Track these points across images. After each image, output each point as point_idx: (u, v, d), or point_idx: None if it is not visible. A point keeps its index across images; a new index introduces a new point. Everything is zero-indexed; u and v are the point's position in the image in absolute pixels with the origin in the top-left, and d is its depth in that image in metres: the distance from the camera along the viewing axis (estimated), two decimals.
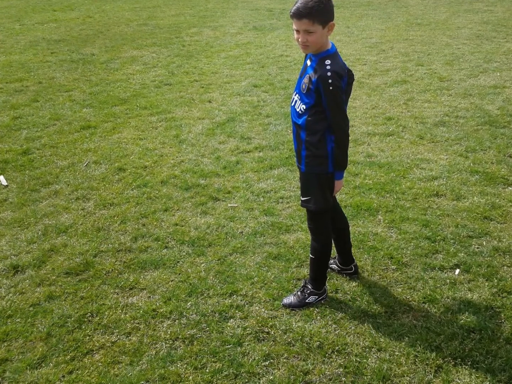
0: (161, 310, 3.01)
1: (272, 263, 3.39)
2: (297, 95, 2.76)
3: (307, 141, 2.73)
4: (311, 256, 3.00)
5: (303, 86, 2.66)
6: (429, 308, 2.96)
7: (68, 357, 2.71)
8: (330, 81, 2.53)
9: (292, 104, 2.81)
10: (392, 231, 3.69)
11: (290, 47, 9.17)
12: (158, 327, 2.89)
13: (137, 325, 2.92)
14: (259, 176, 4.55)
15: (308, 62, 2.70)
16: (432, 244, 3.52)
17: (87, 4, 15.00)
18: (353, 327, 2.84)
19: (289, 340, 2.77)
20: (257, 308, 3.00)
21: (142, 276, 3.32)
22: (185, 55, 8.91)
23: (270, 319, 2.91)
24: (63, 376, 2.60)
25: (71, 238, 3.75)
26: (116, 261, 3.48)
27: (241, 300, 3.06)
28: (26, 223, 3.95)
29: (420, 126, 5.51)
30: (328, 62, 2.57)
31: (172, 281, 3.26)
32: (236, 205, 4.11)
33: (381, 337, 2.76)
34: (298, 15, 2.51)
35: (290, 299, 3.03)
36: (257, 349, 2.71)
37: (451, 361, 2.60)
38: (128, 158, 5.00)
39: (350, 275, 3.22)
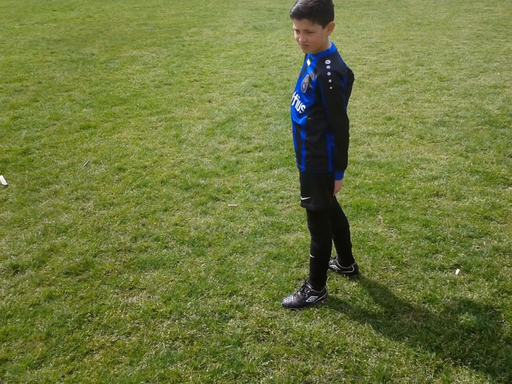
0: (161, 310, 3.01)
1: (272, 263, 3.39)
2: (297, 95, 2.75)
3: (307, 141, 2.73)
4: (311, 256, 3.00)
5: (303, 86, 2.66)
6: (429, 308, 2.95)
7: (68, 357, 2.71)
8: (330, 81, 2.53)
9: (292, 104, 2.81)
10: (392, 231, 3.69)
11: (290, 47, 9.16)
12: (158, 327, 2.89)
13: (137, 325, 2.92)
14: (259, 176, 4.55)
15: (308, 62, 2.70)
16: (432, 244, 3.52)
17: (87, 4, 15.00)
18: (353, 327, 2.84)
19: (289, 340, 2.76)
20: (257, 308, 3.00)
21: (142, 276, 3.32)
22: (185, 55, 8.90)
23: (270, 319, 2.91)
24: (63, 376, 2.60)
25: (71, 238, 3.75)
26: (116, 261, 3.47)
27: (241, 300, 3.06)
28: (26, 223, 3.95)
29: (420, 126, 5.51)
30: (328, 62, 2.56)
31: (172, 281, 3.26)
32: (236, 205, 4.11)
33: (381, 337, 2.75)
34: (298, 15, 2.51)
35: (290, 299, 3.02)
36: (257, 349, 2.70)
37: (451, 361, 2.60)
38: (128, 158, 5.00)
39: (350, 275, 3.22)
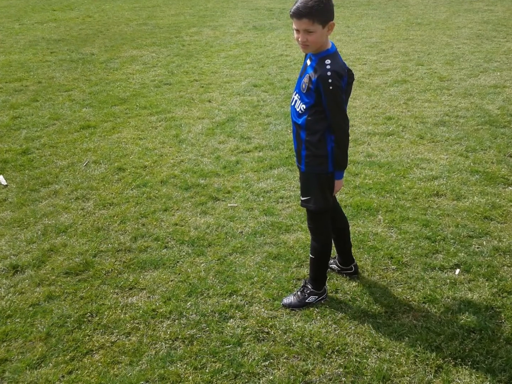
0: (161, 310, 3.01)
1: (272, 263, 3.39)
2: (297, 94, 2.75)
3: (307, 141, 2.73)
4: (311, 256, 3.00)
5: (303, 86, 2.66)
6: (429, 308, 2.95)
7: (68, 357, 2.70)
8: (330, 80, 2.53)
9: (292, 103, 2.80)
10: (392, 231, 3.69)
11: (290, 46, 9.16)
12: (158, 327, 2.89)
13: (136, 325, 2.91)
14: (259, 176, 4.55)
15: (308, 62, 2.70)
16: (432, 244, 3.52)
17: (87, 3, 14.99)
18: (353, 327, 2.84)
19: (289, 340, 2.76)
20: (257, 308, 3.00)
21: (141, 276, 3.32)
22: (184, 55, 8.90)
23: (270, 319, 2.91)
24: (63, 376, 2.60)
25: (70, 238, 3.74)
26: (115, 261, 3.47)
27: (241, 300, 3.06)
28: (25, 223, 3.94)
29: (420, 125, 5.51)
30: (328, 61, 2.56)
31: (171, 281, 3.26)
32: (236, 205, 4.11)
33: (381, 337, 2.75)
34: (298, 14, 2.51)
35: (290, 299, 3.02)
36: (257, 349, 2.70)
37: (451, 361, 2.60)
38: (127, 158, 5.00)
39: (350, 275, 3.22)
